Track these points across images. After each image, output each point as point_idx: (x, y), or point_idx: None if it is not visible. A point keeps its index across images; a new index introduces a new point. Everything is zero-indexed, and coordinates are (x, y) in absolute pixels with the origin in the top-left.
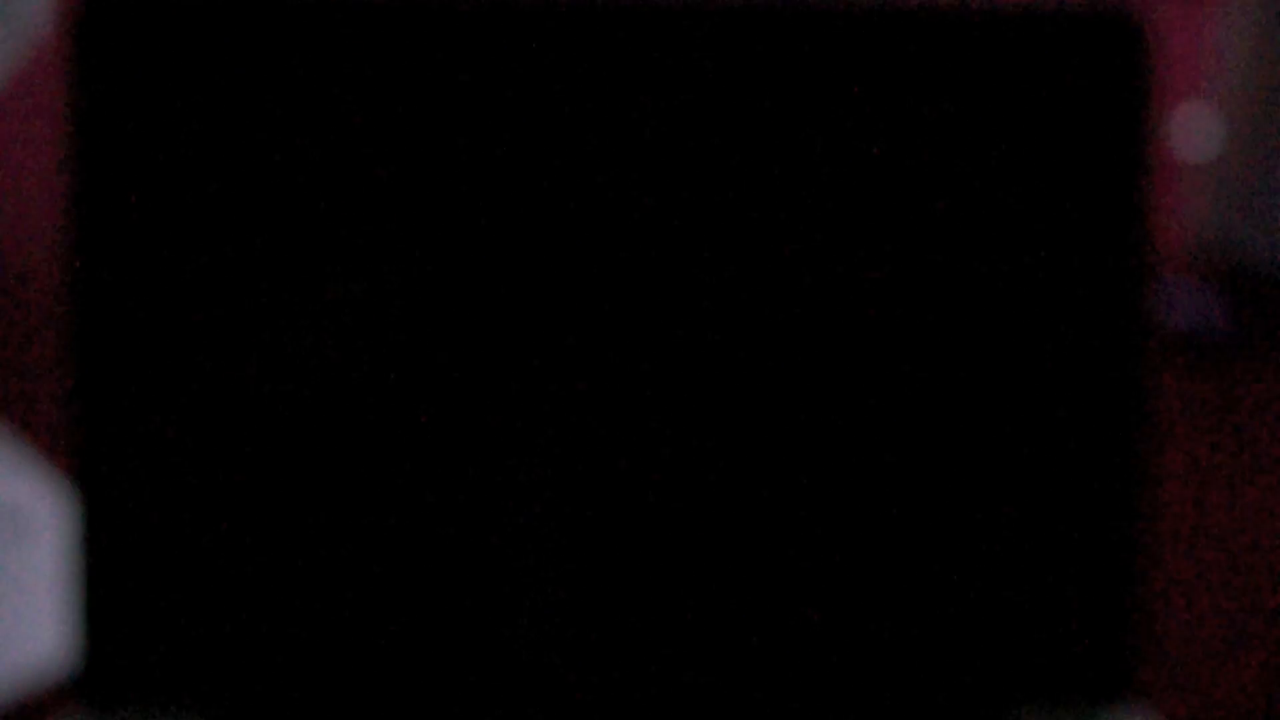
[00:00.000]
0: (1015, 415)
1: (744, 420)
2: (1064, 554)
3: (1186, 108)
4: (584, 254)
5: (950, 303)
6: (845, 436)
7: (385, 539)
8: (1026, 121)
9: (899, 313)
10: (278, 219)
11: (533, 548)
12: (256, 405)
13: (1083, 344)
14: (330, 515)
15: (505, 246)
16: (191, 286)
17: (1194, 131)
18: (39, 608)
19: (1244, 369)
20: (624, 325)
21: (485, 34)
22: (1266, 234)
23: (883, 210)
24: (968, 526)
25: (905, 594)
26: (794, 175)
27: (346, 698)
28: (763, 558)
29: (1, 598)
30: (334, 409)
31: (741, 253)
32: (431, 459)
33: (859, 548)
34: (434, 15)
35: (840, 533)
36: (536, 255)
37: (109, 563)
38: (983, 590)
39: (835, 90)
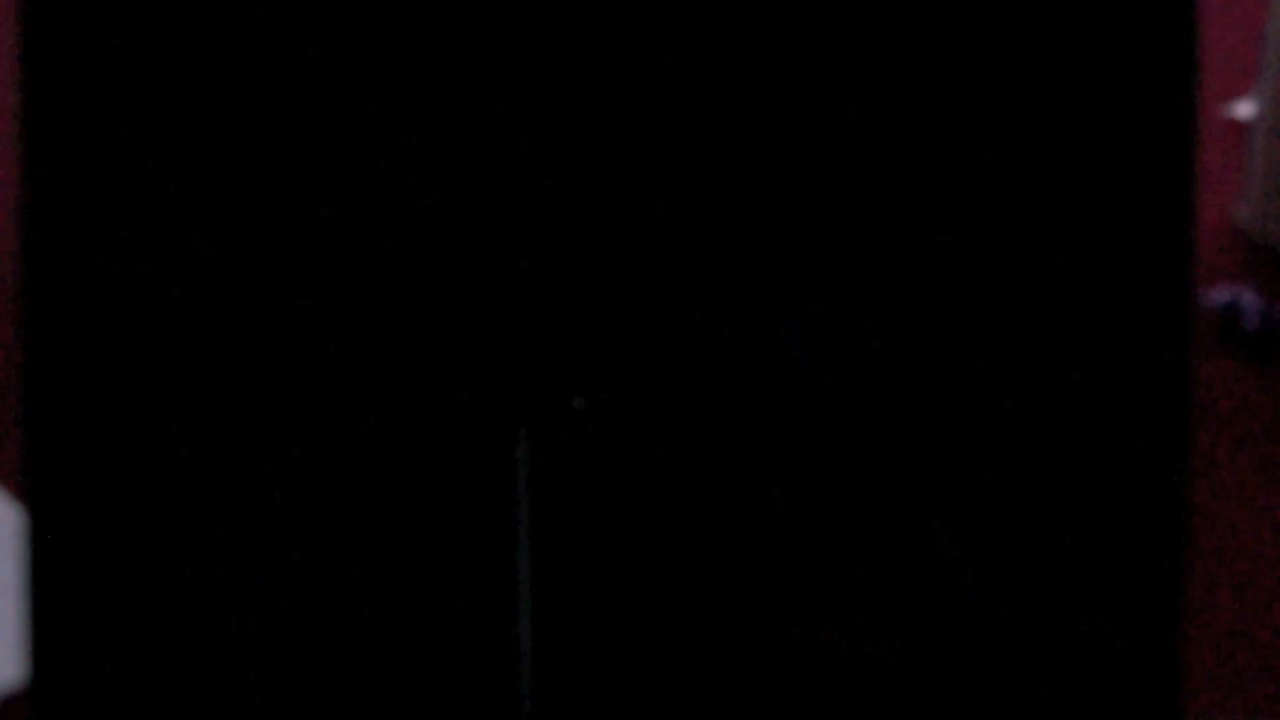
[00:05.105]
0: (1057, 410)
1: (767, 435)
2: (1106, 575)
3: (1232, 97)
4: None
5: (987, 293)
6: (874, 449)
7: (335, 571)
8: (1072, 94)
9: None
10: (239, 243)
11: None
12: (212, 425)
13: (1127, 345)
14: (279, 533)
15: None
16: (143, 291)
17: (1238, 119)
18: None
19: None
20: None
21: None
22: None
23: (922, 185)
24: (1005, 540)
25: (945, 625)
26: (832, 161)
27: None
28: (792, 594)
29: None
30: (286, 436)
31: (782, 213)
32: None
33: (892, 568)
34: None
35: (875, 556)
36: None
37: (59, 582)
38: (1031, 621)
39: (877, 57)
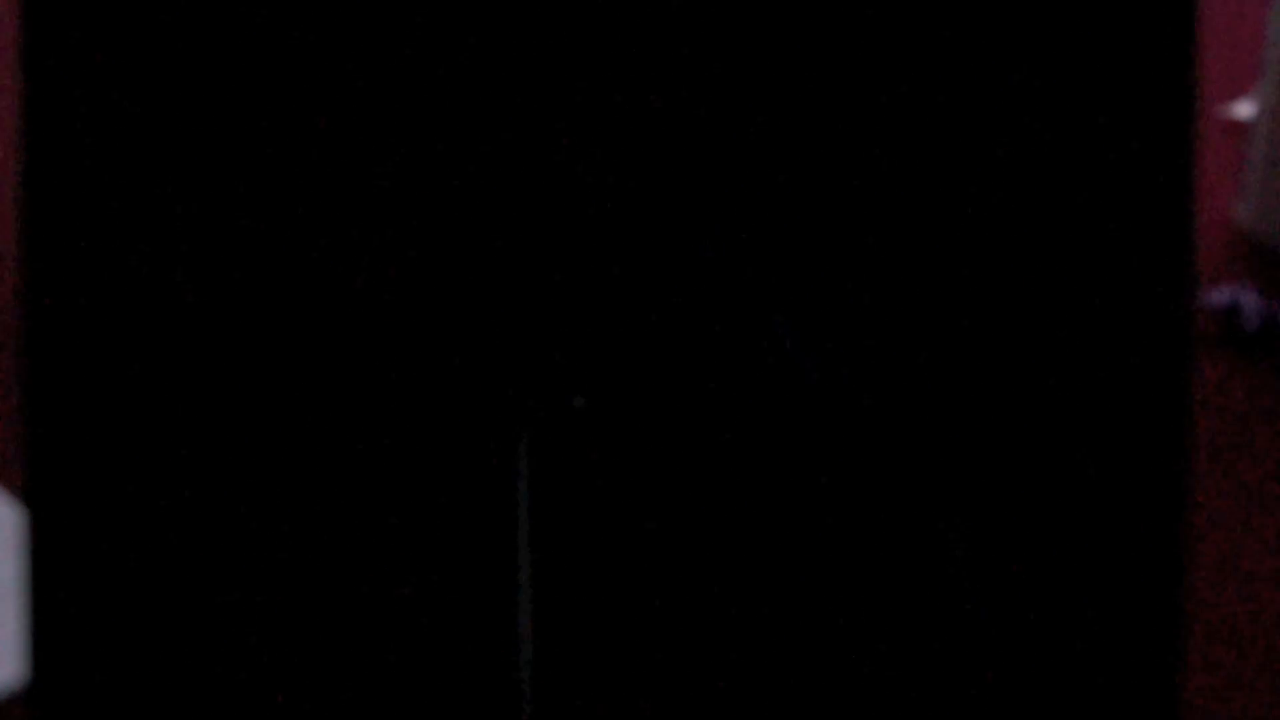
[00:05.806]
0: (1055, 413)
1: (768, 435)
2: (1106, 581)
3: (1232, 96)
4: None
5: (987, 294)
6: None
7: (336, 571)
8: (1072, 94)
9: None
10: (245, 240)
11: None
12: (213, 425)
13: (1127, 345)
14: (277, 534)
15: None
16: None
17: (1238, 119)
18: None
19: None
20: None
21: None
22: None
23: (922, 185)
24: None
25: (945, 638)
26: (827, 166)
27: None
28: (793, 593)
29: None
30: (286, 435)
31: (780, 227)
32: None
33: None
34: None
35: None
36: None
37: (59, 582)
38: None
39: (876, 56)
